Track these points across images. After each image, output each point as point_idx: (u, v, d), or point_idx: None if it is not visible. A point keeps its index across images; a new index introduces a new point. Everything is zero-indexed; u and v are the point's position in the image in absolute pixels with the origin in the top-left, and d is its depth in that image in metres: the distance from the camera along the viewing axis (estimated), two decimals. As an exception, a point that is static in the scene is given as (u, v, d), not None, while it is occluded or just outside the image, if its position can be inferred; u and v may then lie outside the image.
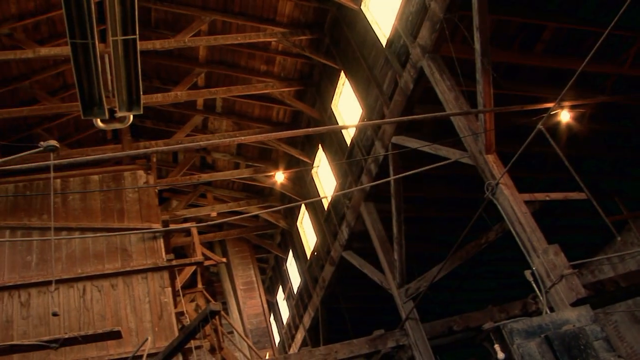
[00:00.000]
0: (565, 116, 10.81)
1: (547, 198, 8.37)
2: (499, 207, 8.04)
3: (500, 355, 10.35)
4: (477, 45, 7.92)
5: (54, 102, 13.97)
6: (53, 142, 6.39)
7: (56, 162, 6.55)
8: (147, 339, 10.46)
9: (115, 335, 8.83)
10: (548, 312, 7.04)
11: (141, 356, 10.01)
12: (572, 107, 10.70)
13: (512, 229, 7.85)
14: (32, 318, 11.39)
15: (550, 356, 5.79)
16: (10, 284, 11.66)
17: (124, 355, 10.73)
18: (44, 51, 12.18)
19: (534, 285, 7.47)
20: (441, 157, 9.48)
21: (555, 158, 10.62)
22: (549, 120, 8.98)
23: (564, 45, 10.43)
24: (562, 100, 9.40)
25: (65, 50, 10.45)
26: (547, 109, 7.58)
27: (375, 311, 16.83)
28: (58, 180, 13.37)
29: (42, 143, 6.38)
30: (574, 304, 6.82)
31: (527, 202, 7.96)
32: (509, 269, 14.52)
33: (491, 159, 8.35)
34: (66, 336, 8.40)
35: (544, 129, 7.08)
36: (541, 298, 7.38)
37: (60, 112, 13.96)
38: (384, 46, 11.12)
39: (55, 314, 10.52)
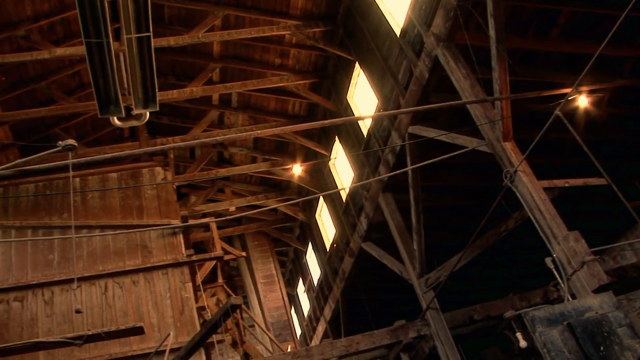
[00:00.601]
0: (583, 101, 10.69)
1: (567, 184, 8.30)
2: (517, 194, 7.98)
3: (522, 343, 10.32)
4: (492, 32, 7.85)
5: (70, 101, 14.07)
6: (71, 142, 6.44)
7: (74, 161, 6.61)
8: (169, 334, 10.55)
9: (137, 331, 8.89)
10: (570, 299, 6.99)
11: (164, 351, 10.10)
12: (589, 92, 10.57)
13: (531, 216, 7.79)
14: (56, 316, 11.53)
15: (572, 343, 5.74)
16: (34, 282, 11.81)
17: (147, 351, 10.83)
18: (60, 51, 12.26)
19: (555, 272, 7.41)
20: (458, 145, 9.42)
21: (573, 144, 10.53)
22: (566, 105, 8.88)
23: (580, 30, 10.30)
24: (580, 85, 9.31)
25: (81, 49, 10.52)
26: (565, 95, 7.51)
27: (396, 302, 16.82)
28: (77, 179, 13.48)
29: (60, 143, 6.43)
30: (596, 291, 6.76)
31: (546, 189, 7.90)
32: (529, 256, 14.44)
33: (509, 146, 8.29)
34: (89, 333, 8.47)
35: (562, 114, 7.01)
36: (562, 285, 7.32)
37: (77, 112, 14.05)
38: (398, 36, 11.07)
39: (78, 311, 10.62)
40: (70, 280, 11.42)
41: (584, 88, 10.37)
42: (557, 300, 10.65)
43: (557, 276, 7.41)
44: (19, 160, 7.39)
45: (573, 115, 10.85)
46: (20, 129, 14.67)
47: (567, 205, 9.64)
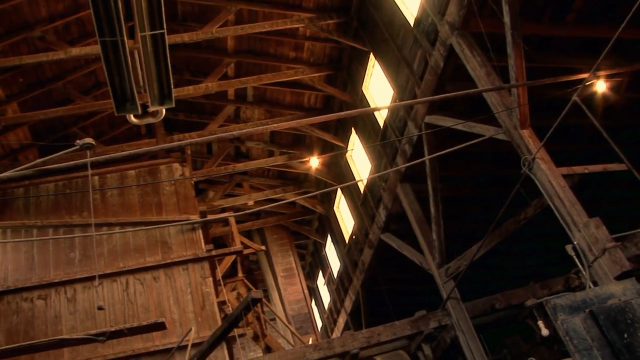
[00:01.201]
0: (601, 86, 10.57)
1: (586, 171, 8.22)
2: (536, 182, 7.92)
3: (544, 331, 10.28)
4: (507, 19, 7.78)
5: (87, 100, 14.16)
6: (89, 140, 6.49)
7: (93, 159, 6.66)
8: (191, 329, 10.61)
9: (159, 326, 8.95)
10: (592, 286, 6.93)
11: (186, 346, 10.16)
12: (608, 77, 10.44)
13: (551, 204, 7.73)
14: (78, 313, 11.64)
15: (595, 331, 5.68)
16: (57, 280, 11.93)
17: (169, 346, 10.91)
18: (75, 51, 12.33)
19: (576, 259, 7.35)
20: (475, 134, 9.36)
21: (592, 129, 10.40)
22: (584, 91, 8.77)
23: (597, 14, 10.16)
24: (598, 70, 9.21)
25: (96, 49, 10.59)
26: (582, 80, 7.43)
27: (416, 292, 16.80)
28: (96, 177, 13.58)
29: (78, 141, 6.48)
30: (619, 278, 6.70)
31: (565, 176, 7.83)
32: (550, 244, 14.35)
33: (526, 133, 8.23)
34: (112, 329, 8.54)
35: (580, 100, 6.94)
36: (584, 273, 7.26)
37: (94, 110, 14.15)
38: (412, 26, 11.01)
39: (100, 308, 10.73)
40: (92, 278, 11.52)
41: (602, 73, 10.24)
42: (578, 288, 10.58)
43: (579, 263, 7.35)
44: (38, 160, 7.46)
45: (591, 101, 10.73)
46: (38, 130, 14.80)
47: (587, 192, 9.55)
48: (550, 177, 7.72)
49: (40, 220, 12.82)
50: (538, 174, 7.87)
